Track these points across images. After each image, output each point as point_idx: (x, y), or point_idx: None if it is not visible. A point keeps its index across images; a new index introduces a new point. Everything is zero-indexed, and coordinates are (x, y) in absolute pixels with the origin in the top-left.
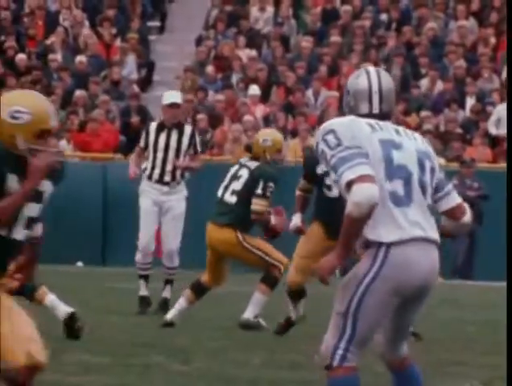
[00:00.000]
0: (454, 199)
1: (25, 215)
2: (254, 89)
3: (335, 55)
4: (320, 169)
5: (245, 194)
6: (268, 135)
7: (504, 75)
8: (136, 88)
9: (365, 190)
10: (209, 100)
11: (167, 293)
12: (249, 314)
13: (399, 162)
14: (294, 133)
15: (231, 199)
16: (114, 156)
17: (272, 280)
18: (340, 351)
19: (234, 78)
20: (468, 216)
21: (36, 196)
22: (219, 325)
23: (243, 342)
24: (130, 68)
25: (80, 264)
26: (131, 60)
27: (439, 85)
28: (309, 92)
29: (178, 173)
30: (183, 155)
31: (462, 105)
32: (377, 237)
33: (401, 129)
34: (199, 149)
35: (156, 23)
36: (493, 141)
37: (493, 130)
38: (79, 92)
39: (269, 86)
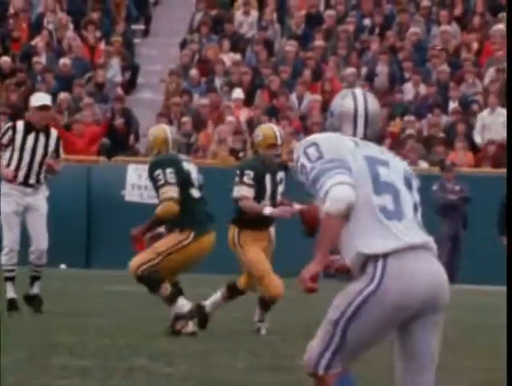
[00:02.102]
0: None
1: None
2: (238, 93)
3: (319, 59)
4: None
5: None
6: (261, 130)
7: (487, 81)
8: (120, 91)
9: (342, 190)
10: (194, 103)
11: (36, 289)
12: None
13: (386, 179)
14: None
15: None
16: (99, 158)
17: None
18: (324, 361)
19: (217, 81)
20: None
21: None
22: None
23: (227, 346)
24: (114, 71)
25: (63, 266)
26: (115, 63)
27: (423, 90)
28: (293, 96)
29: (42, 175)
30: (48, 158)
31: (445, 110)
32: (372, 250)
33: (384, 149)
34: (61, 153)
35: (141, 26)
36: (476, 146)
37: (478, 139)
38: (63, 95)
39: (253, 90)
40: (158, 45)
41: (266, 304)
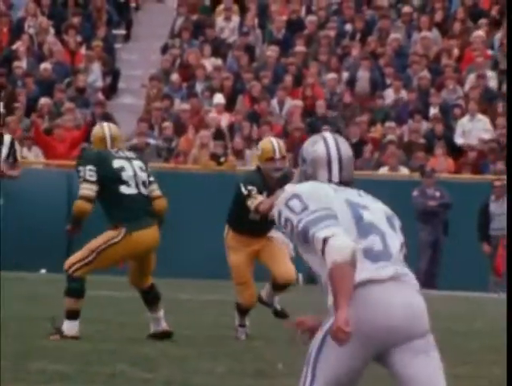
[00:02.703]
0: None
1: None
2: (219, 98)
3: (300, 64)
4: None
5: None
6: (261, 143)
7: (467, 87)
8: (101, 96)
9: (342, 239)
10: (175, 108)
11: None
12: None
13: (369, 220)
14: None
15: None
16: None
17: None
18: None
19: (199, 86)
20: None
21: None
22: (183, 333)
23: (207, 351)
24: (95, 76)
25: (43, 271)
26: (96, 68)
27: (403, 95)
28: (274, 102)
29: None
30: (2, 164)
31: (426, 116)
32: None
33: (362, 192)
34: (18, 157)
35: (122, 31)
36: (457, 152)
37: (459, 140)
38: (44, 100)
39: (234, 95)
40: (140, 50)
41: (242, 310)
